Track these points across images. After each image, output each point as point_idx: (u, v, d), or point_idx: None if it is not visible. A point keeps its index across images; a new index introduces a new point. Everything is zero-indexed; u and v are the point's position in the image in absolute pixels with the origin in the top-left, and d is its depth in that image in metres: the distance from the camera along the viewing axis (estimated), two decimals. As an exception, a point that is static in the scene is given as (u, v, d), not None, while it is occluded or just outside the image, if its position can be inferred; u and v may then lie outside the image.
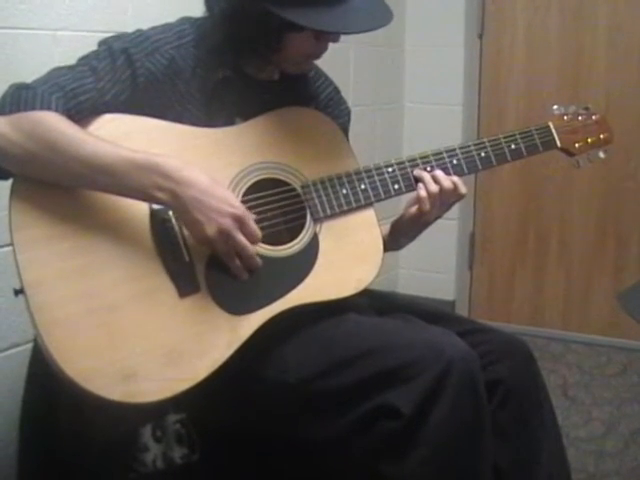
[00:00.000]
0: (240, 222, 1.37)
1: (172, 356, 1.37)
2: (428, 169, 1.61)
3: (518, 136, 1.71)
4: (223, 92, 1.54)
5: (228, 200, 1.37)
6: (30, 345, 1.61)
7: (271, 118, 1.56)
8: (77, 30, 1.95)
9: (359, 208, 1.57)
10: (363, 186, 1.58)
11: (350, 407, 1.43)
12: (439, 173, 1.60)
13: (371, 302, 1.66)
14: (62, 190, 1.38)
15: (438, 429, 1.38)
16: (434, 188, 1.58)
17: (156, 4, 2.07)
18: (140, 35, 1.50)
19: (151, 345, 1.37)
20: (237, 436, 1.55)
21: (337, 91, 1.75)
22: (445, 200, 1.60)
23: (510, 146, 1.69)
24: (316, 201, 1.54)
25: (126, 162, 1.34)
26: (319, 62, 1.65)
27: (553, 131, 1.75)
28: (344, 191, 1.56)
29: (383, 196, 1.59)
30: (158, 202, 1.37)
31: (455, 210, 1.80)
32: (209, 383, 1.40)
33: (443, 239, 3.40)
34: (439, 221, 1.67)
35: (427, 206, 1.58)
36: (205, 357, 1.39)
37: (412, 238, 1.71)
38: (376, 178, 1.59)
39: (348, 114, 1.77)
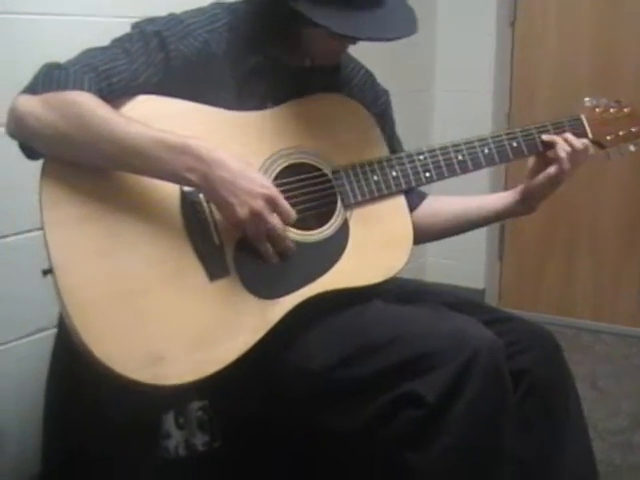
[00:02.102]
0: (272, 203, 1.37)
1: (201, 339, 1.37)
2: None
3: (550, 127, 1.70)
4: (255, 78, 1.54)
5: (260, 181, 1.36)
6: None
7: (302, 104, 1.56)
8: (107, 16, 1.95)
9: (390, 195, 1.57)
10: (394, 173, 1.57)
11: (374, 395, 1.42)
12: (569, 135, 1.67)
13: (398, 290, 1.65)
14: (93, 171, 1.38)
15: (462, 418, 1.37)
16: (569, 148, 1.65)
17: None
18: (173, 18, 1.50)
19: (180, 328, 1.37)
20: (259, 424, 1.55)
21: (370, 74, 1.75)
22: (577, 159, 1.67)
23: (542, 137, 1.68)
24: (347, 187, 1.54)
25: (157, 143, 1.34)
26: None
27: (585, 123, 1.74)
28: (375, 177, 1.56)
29: (414, 183, 1.59)
30: (189, 184, 1.37)
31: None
32: (234, 368, 1.40)
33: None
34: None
35: (567, 165, 1.64)
36: (233, 340, 1.39)
37: (544, 199, 1.74)
38: (407, 165, 1.58)
39: (386, 93, 1.77)
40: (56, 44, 1.80)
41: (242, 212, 1.35)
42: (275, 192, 1.37)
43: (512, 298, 3.62)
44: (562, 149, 1.65)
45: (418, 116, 3.41)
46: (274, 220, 1.38)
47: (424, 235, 1.78)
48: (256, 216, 1.36)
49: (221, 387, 1.49)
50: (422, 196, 1.79)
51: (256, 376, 1.47)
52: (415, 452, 1.40)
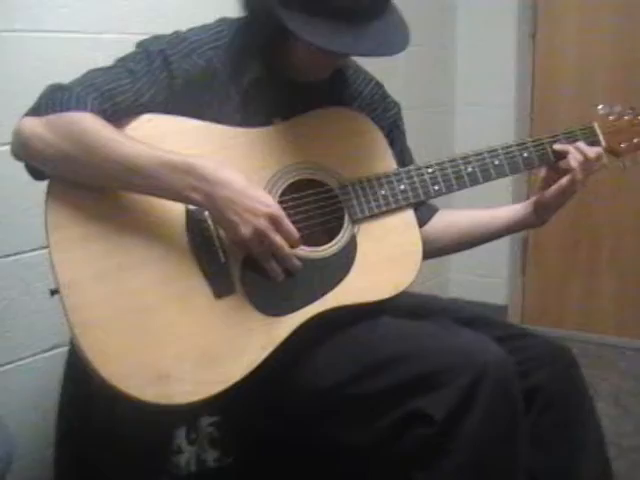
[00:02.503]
0: (276, 222, 1.36)
1: (206, 358, 1.36)
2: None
3: (562, 136, 1.67)
4: (258, 93, 1.53)
5: (263, 200, 1.36)
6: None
7: (308, 119, 1.54)
8: (119, 32, 1.96)
9: (398, 209, 1.55)
10: (402, 187, 1.55)
11: (382, 412, 1.40)
12: (581, 144, 1.64)
13: (409, 305, 1.62)
14: (98, 191, 1.38)
15: (471, 437, 1.35)
16: (581, 157, 1.61)
17: (201, 4, 2.07)
18: (177, 37, 1.50)
19: (185, 347, 1.36)
20: (271, 440, 1.54)
21: (380, 85, 1.73)
22: (590, 168, 1.63)
23: (553, 146, 1.66)
24: (354, 202, 1.52)
25: (160, 163, 1.34)
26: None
27: (598, 131, 1.71)
28: (383, 192, 1.54)
29: (423, 197, 1.57)
30: (193, 203, 1.37)
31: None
32: (243, 386, 1.39)
33: (496, 243, 3.31)
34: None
35: (579, 175, 1.60)
36: (239, 359, 1.38)
37: (557, 210, 1.70)
38: (416, 179, 1.57)
39: (397, 106, 1.75)
40: (67, 62, 1.82)
41: (245, 231, 1.34)
42: (278, 211, 1.36)
43: (535, 314, 3.58)
44: (574, 159, 1.62)
45: (439, 130, 3.39)
46: (278, 239, 1.37)
47: (436, 249, 1.77)
48: (260, 235, 1.35)
49: (232, 403, 1.49)
50: (433, 210, 1.77)
51: (266, 393, 1.47)
52: (424, 471, 1.38)
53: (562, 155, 1.65)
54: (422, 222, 1.74)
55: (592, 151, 1.63)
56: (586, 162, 1.62)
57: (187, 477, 1.55)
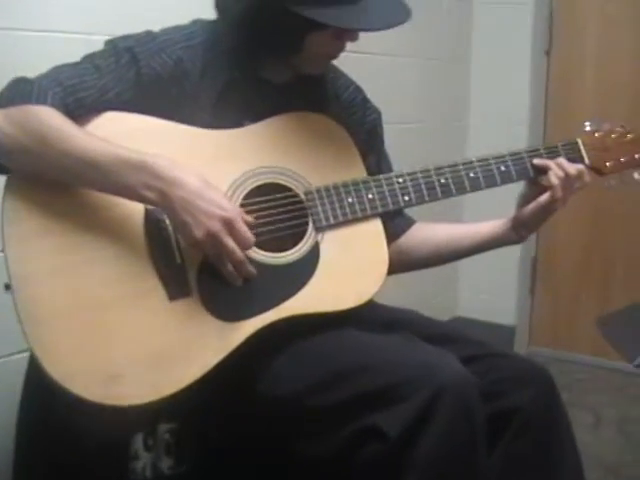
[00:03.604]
0: (229, 226, 1.33)
1: (158, 360, 1.34)
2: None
3: (543, 151, 1.63)
4: (231, 94, 1.51)
5: (218, 202, 1.33)
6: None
7: (278, 122, 1.52)
8: (110, 34, 1.96)
9: (365, 218, 1.52)
10: (370, 195, 1.52)
11: (339, 425, 1.37)
12: (563, 160, 1.59)
13: (384, 318, 1.60)
14: (56, 186, 1.37)
15: (427, 456, 1.30)
16: (562, 174, 1.57)
17: (194, 6, 2.06)
18: (147, 35, 1.49)
19: (137, 347, 1.34)
20: (228, 449, 1.51)
21: (359, 90, 1.70)
22: (571, 187, 1.58)
23: (533, 161, 1.61)
24: (319, 209, 1.49)
25: (116, 159, 1.32)
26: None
27: (581, 147, 1.65)
28: (350, 199, 1.51)
29: (391, 207, 1.53)
30: (147, 202, 1.35)
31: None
32: (199, 392, 1.37)
33: (504, 262, 3.30)
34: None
35: (559, 192, 1.56)
36: (191, 363, 1.35)
37: (536, 228, 1.67)
38: (385, 188, 1.53)
39: (377, 112, 1.71)
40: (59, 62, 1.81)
41: (198, 233, 1.32)
42: (234, 215, 1.34)
43: (543, 336, 3.53)
44: (554, 175, 1.58)
45: (452, 147, 3.35)
46: (231, 243, 1.34)
47: (411, 262, 1.74)
48: (212, 238, 1.33)
49: (190, 410, 1.47)
50: (410, 222, 1.74)
51: (224, 400, 1.44)
52: None
53: (542, 170, 1.60)
54: (397, 234, 1.72)
55: (573, 168, 1.58)
56: (567, 179, 1.57)
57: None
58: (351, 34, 1.48)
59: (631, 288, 3.32)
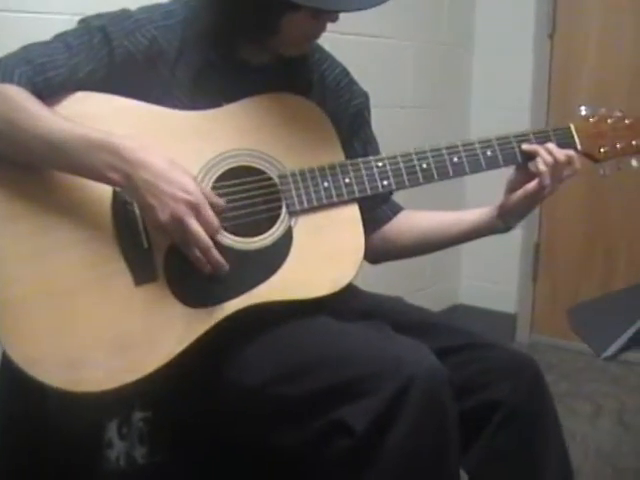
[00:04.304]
0: (195, 209, 1.29)
1: (121, 346, 1.32)
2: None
3: (532, 136, 1.57)
4: (209, 76, 1.47)
5: (184, 185, 1.29)
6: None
7: (253, 103, 1.48)
8: (63, 14, 1.92)
9: (341, 203, 1.47)
10: (347, 180, 1.47)
11: (305, 419, 1.33)
12: (552, 146, 1.53)
13: (357, 304, 1.56)
14: (23, 168, 1.34)
15: (395, 451, 1.27)
16: (551, 160, 1.51)
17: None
18: (122, 14, 1.45)
19: (100, 333, 1.32)
20: (201, 438, 1.48)
21: (346, 73, 1.65)
22: (560, 174, 1.52)
23: (521, 146, 1.56)
24: (293, 193, 1.45)
25: (80, 140, 1.29)
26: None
27: (574, 133, 1.59)
28: (325, 184, 1.46)
29: (369, 192, 1.48)
30: (112, 183, 1.32)
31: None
32: (171, 380, 1.34)
33: (506, 249, 3.26)
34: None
35: (547, 180, 1.50)
36: (154, 350, 1.32)
37: (523, 217, 1.61)
38: (363, 172, 1.48)
39: (364, 95, 1.67)
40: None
41: (163, 216, 1.29)
42: (199, 198, 1.30)
43: (544, 324, 3.48)
44: (542, 161, 1.52)
45: (453, 132, 3.30)
46: (196, 227, 1.30)
47: (397, 250, 1.70)
48: (177, 222, 1.29)
49: (163, 398, 1.45)
50: (396, 209, 1.70)
51: (195, 389, 1.42)
52: None
53: (531, 156, 1.54)
54: (383, 221, 1.68)
55: (563, 154, 1.52)
56: (555, 166, 1.52)
57: (117, 473, 1.50)
58: (328, 14, 1.43)
59: (634, 275, 3.26)
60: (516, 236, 3.31)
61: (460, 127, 3.38)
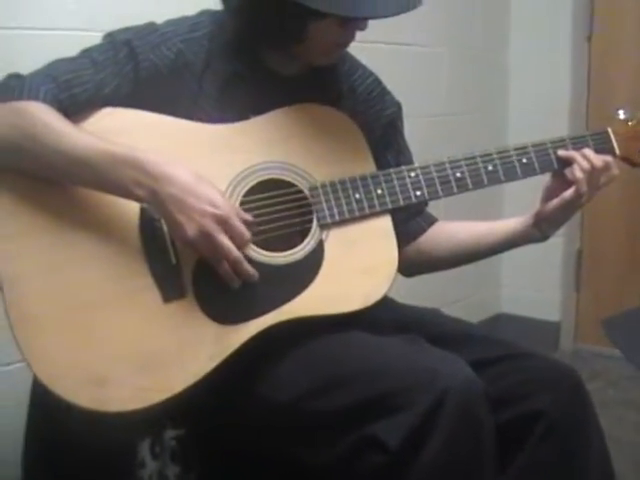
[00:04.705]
0: (224, 224, 1.27)
1: (148, 364, 1.29)
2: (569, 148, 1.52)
3: (569, 142, 1.53)
4: (236, 86, 1.46)
5: (211, 199, 1.27)
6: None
7: (282, 115, 1.45)
8: (89, 30, 1.92)
9: (374, 215, 1.44)
10: (380, 191, 1.44)
11: (338, 434, 1.30)
12: (589, 151, 1.50)
13: (392, 317, 1.52)
14: (48, 183, 1.32)
15: (430, 466, 1.23)
16: (587, 166, 1.48)
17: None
18: (148, 27, 1.44)
19: (127, 350, 1.29)
20: (234, 455, 1.46)
21: (378, 82, 1.62)
22: (597, 181, 1.49)
23: (557, 152, 1.52)
24: (324, 205, 1.42)
25: (105, 156, 1.28)
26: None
27: (612, 137, 1.55)
28: (357, 195, 1.43)
29: (402, 202, 1.45)
30: (138, 199, 1.30)
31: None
32: (203, 398, 1.32)
33: (548, 256, 3.19)
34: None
35: (584, 187, 1.47)
36: (184, 368, 1.30)
37: (561, 225, 1.58)
38: (396, 183, 1.45)
39: (397, 105, 1.64)
40: (39, 60, 1.78)
41: (191, 232, 1.27)
42: (227, 212, 1.28)
43: (589, 332, 3.40)
44: (579, 168, 1.48)
45: (491, 137, 3.25)
46: (225, 241, 1.28)
47: (432, 262, 1.67)
48: (206, 237, 1.27)
49: (195, 417, 1.43)
50: (431, 220, 1.66)
51: (227, 406, 1.39)
52: None
53: (568, 163, 1.51)
54: (417, 233, 1.65)
55: (600, 160, 1.49)
56: (592, 172, 1.48)
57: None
58: (355, 22, 1.40)
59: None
60: (557, 243, 3.25)
61: (497, 133, 3.32)
